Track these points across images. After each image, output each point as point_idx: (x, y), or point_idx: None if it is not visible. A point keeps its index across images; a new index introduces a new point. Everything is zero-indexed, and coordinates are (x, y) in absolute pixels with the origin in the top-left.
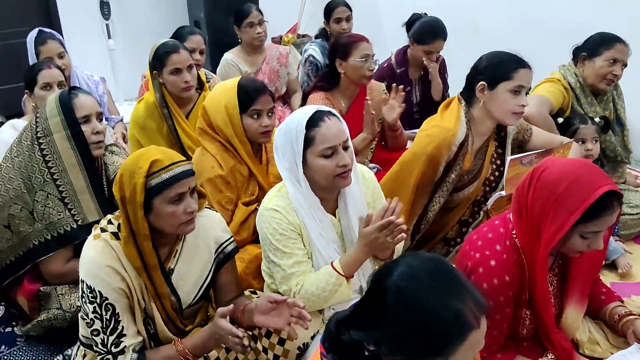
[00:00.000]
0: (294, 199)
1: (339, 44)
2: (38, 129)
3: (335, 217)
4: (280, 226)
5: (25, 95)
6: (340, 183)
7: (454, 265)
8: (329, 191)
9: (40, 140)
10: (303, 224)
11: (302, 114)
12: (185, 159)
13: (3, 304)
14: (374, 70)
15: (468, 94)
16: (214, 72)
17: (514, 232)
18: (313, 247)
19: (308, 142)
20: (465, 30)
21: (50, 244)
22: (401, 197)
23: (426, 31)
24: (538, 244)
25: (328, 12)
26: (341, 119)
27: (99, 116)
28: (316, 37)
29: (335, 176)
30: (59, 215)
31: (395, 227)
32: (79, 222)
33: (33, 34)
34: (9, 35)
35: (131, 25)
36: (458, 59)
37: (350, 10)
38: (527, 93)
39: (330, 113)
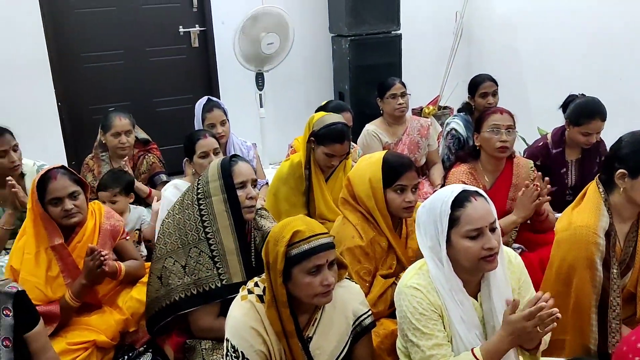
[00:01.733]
0: (435, 279)
1: (478, 117)
2: (199, 191)
3: (477, 300)
4: (421, 305)
5: (186, 159)
6: (485, 266)
7: None
8: (472, 273)
9: (200, 202)
10: (444, 305)
11: (448, 192)
12: (327, 231)
13: (151, 350)
14: (506, 142)
15: (606, 178)
16: (355, 141)
17: None
18: (453, 330)
19: (453, 222)
20: (626, 104)
21: (195, 299)
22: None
23: (581, 111)
24: None
25: (474, 86)
26: (488, 199)
27: (254, 183)
28: (459, 110)
29: (480, 259)
30: (207, 272)
31: (548, 316)
32: (224, 282)
33: (202, 101)
34: (176, 102)
35: (281, 96)
36: (621, 132)
37: (497, 85)
38: None
39: (477, 193)
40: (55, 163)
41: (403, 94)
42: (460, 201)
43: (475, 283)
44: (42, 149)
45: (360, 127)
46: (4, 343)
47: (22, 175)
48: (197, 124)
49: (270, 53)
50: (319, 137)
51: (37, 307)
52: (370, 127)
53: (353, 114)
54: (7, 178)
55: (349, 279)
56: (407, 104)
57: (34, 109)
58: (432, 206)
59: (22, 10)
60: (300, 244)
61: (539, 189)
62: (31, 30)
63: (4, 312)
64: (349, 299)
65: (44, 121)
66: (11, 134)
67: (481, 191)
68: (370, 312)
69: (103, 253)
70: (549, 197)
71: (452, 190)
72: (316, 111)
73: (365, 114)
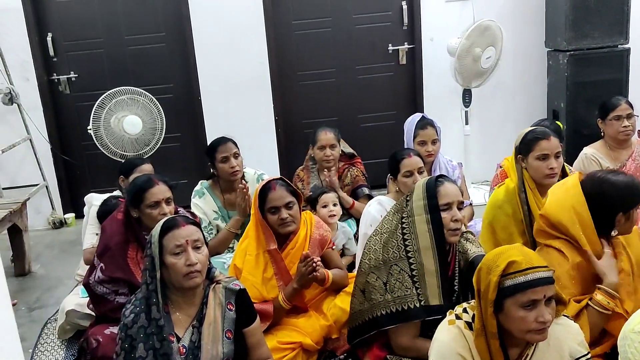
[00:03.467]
0: None
1: None
2: (405, 210)
3: None
4: None
5: (390, 176)
6: None
7: None
8: None
9: (404, 220)
10: None
11: None
12: (546, 265)
13: (350, 359)
14: None
15: None
16: (570, 164)
17: None
18: None
19: None
20: None
21: (394, 317)
22: None
23: None
24: None
25: None
26: None
27: (460, 205)
28: None
29: None
30: (407, 291)
31: None
32: (422, 302)
33: (416, 117)
34: (380, 118)
35: (488, 113)
36: None
37: None
38: None
39: None
40: (274, 174)
41: (629, 116)
42: None
43: None
44: (258, 158)
45: (577, 149)
46: (227, 335)
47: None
48: (408, 140)
49: (487, 67)
50: (524, 146)
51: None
52: (589, 151)
53: (564, 127)
54: (240, 185)
55: (567, 317)
56: (634, 126)
57: (255, 121)
58: None
59: (251, 34)
60: (515, 276)
61: None
62: (257, 51)
63: (228, 306)
64: (566, 338)
65: (262, 133)
66: (234, 142)
67: None
68: (589, 355)
69: (316, 260)
70: None
71: None
72: None
73: (583, 134)
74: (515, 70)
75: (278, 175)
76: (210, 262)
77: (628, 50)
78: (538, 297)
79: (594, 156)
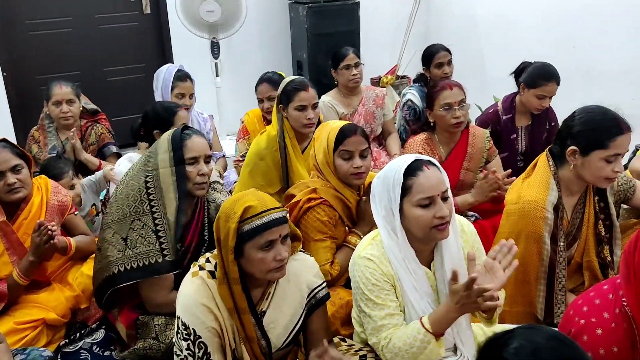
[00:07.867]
0: (387, 249)
1: (428, 93)
2: (149, 162)
3: (430, 270)
4: (374, 276)
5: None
6: (437, 235)
7: (579, 347)
8: (424, 243)
9: (148, 173)
10: (396, 275)
11: (401, 162)
12: (279, 205)
13: (104, 327)
14: (459, 117)
15: (558, 152)
16: None
17: (624, 299)
18: (406, 299)
19: (405, 191)
20: (579, 73)
21: (133, 273)
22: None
23: (538, 74)
24: None
25: (429, 57)
26: (441, 168)
27: (207, 159)
28: (414, 81)
29: (431, 227)
30: (149, 246)
31: (483, 291)
32: (167, 257)
33: (172, 68)
34: (127, 71)
35: (237, 64)
36: (574, 100)
37: (450, 54)
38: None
39: (430, 162)
40: (8, 138)
41: (357, 65)
42: (412, 170)
43: (428, 252)
44: None
45: (318, 98)
46: None
47: None
48: (164, 91)
49: (213, 21)
50: (284, 96)
51: None
52: (326, 99)
53: (307, 77)
54: None
55: (303, 252)
56: (362, 74)
57: None
58: (386, 176)
59: None
60: (252, 220)
61: (499, 181)
62: None
63: None
64: (303, 272)
65: None
66: None
67: (434, 160)
68: (324, 285)
69: (50, 226)
70: (507, 188)
71: (405, 159)
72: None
73: (323, 83)
74: (260, 22)
75: (10, 139)
76: None
77: (358, 4)
78: (274, 237)
79: (330, 103)
